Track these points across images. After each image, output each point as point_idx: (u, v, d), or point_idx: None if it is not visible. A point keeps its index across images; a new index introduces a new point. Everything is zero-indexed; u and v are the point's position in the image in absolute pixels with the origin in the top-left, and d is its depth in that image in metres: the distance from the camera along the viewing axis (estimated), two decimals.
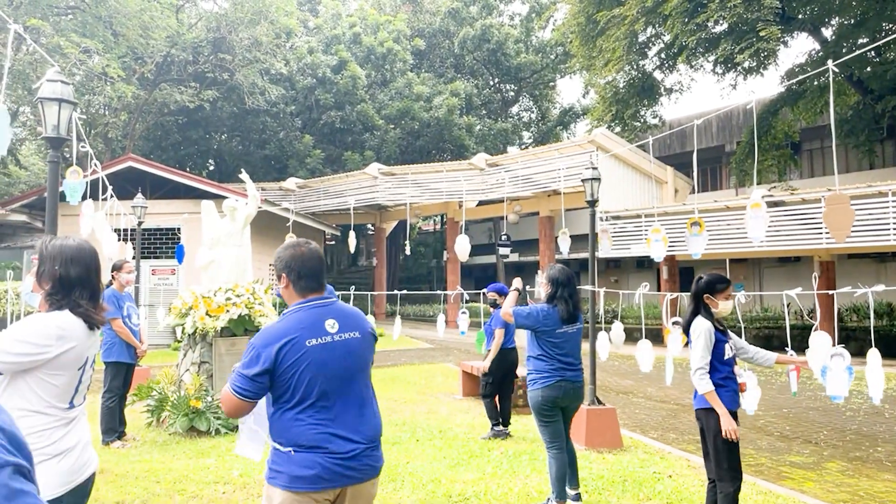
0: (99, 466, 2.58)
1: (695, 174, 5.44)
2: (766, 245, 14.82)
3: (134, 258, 10.24)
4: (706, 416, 3.89)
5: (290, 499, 2.38)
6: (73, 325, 2.25)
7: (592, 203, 6.67)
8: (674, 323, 5.59)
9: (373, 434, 2.54)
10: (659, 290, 20.76)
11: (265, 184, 26.74)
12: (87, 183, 6.43)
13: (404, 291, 10.55)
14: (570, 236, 8.15)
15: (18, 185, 27.63)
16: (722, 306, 3.91)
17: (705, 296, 3.93)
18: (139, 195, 9.82)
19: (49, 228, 3.75)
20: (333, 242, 38.83)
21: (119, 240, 11.13)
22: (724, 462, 3.80)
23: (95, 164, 5.74)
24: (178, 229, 17.29)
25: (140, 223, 9.78)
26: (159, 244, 17.40)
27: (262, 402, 2.53)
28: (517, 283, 5.01)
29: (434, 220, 41.51)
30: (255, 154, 29.73)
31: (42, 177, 28.27)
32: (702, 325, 3.85)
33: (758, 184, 21.92)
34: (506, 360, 7.03)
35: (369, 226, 33.15)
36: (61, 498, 2.20)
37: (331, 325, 2.50)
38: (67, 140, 4.00)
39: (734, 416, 3.85)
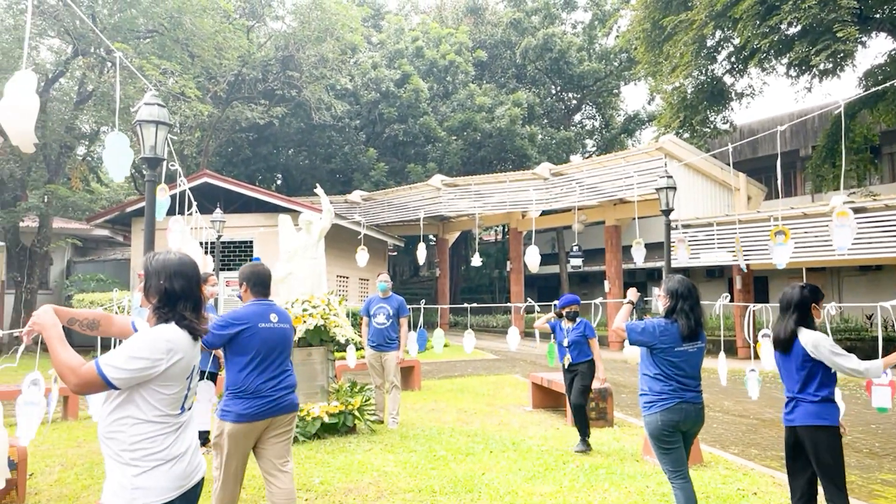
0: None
1: (779, 180, 5.28)
2: (846, 253, 14.21)
3: (214, 270, 10.62)
4: (814, 434, 3.71)
5: (237, 428, 3.81)
6: (180, 338, 2.35)
7: (667, 212, 6.55)
8: (763, 335, 5.41)
9: (291, 385, 4.04)
10: (732, 300, 20.13)
11: (332, 197, 27.23)
12: (174, 198, 6.73)
13: (474, 304, 10.55)
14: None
15: (100, 201, 29.06)
16: (823, 315, 3.89)
17: (812, 305, 3.82)
18: (217, 210, 10.19)
19: (147, 245, 3.94)
20: (396, 253, 39.31)
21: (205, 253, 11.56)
22: (838, 477, 3.68)
23: (182, 181, 5.99)
24: (252, 242, 17.83)
25: (219, 236, 10.14)
26: (233, 256, 17.98)
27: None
28: (632, 294, 4.64)
29: (495, 231, 41.48)
30: (322, 168, 30.43)
31: (121, 193, 29.67)
32: (820, 335, 3.75)
33: (836, 189, 21.04)
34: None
35: (431, 237, 33.41)
36: (173, 502, 2.31)
37: (273, 317, 4.01)
38: (163, 160, 4.22)
39: (838, 432, 3.74)
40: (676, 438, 4.10)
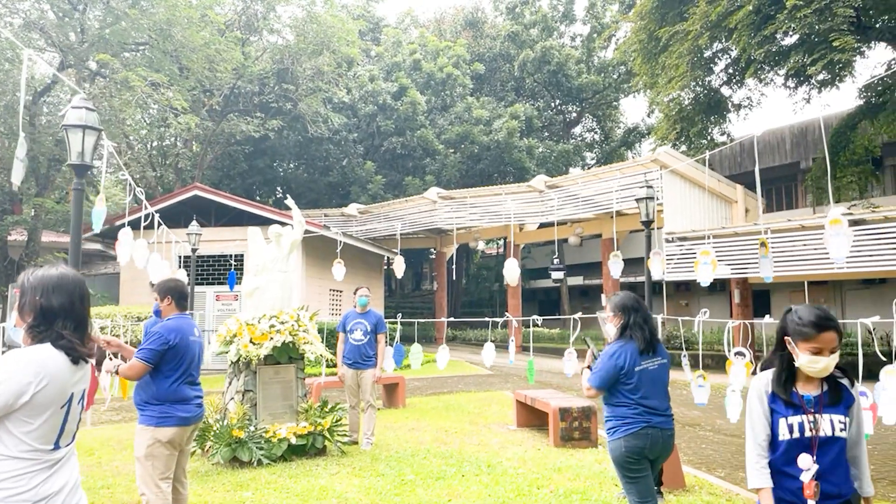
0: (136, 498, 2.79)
1: (752, 189, 5.01)
2: (847, 266, 13.90)
3: (188, 284, 10.38)
4: None
5: (178, 432, 4.09)
6: (52, 359, 2.09)
7: (647, 224, 6.28)
8: (737, 353, 5.13)
9: (202, 395, 4.35)
10: (731, 315, 19.75)
11: (328, 210, 27.11)
12: (153, 213, 6.51)
13: (452, 318, 10.25)
14: (634, 259, 7.74)
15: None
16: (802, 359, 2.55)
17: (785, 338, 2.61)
18: (194, 223, 9.98)
19: (73, 258, 3.69)
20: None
21: (180, 266, 11.32)
22: None
23: (139, 192, 5.76)
24: (243, 255, 17.58)
25: (194, 249, 9.91)
26: (224, 270, 17.72)
27: None
28: (588, 358, 4.05)
29: (497, 244, 41.23)
30: (320, 181, 30.27)
31: (122, 207, 29.53)
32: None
33: (837, 202, 20.70)
34: None
35: (432, 249, 33.16)
36: None
37: (196, 332, 4.29)
38: (92, 167, 3.99)
39: None
40: (643, 467, 3.77)
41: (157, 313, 4.43)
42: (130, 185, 5.43)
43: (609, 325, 3.93)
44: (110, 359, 4.13)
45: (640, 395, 3.73)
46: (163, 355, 4.04)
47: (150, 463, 3.99)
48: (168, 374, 4.09)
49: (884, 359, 4.48)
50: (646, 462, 3.78)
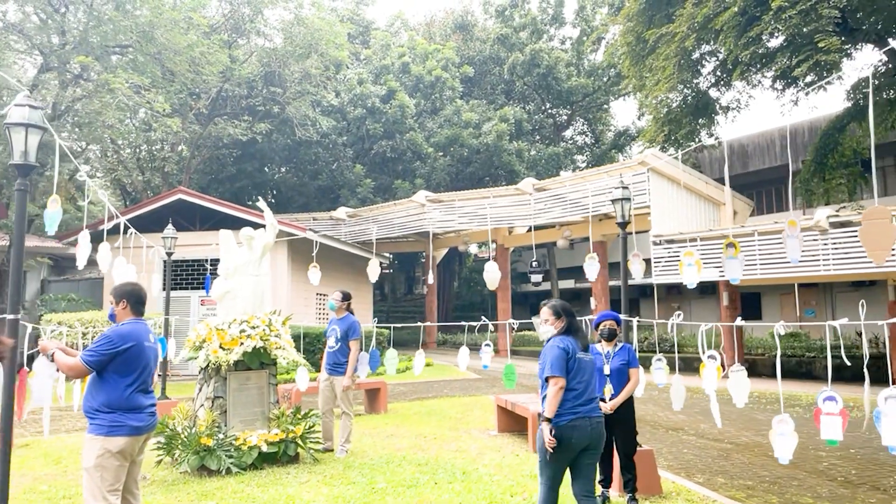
0: None
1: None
2: (837, 269, 13.84)
3: (164, 289, 10.23)
4: None
5: (130, 442, 3.88)
6: None
7: (623, 225, 6.16)
8: (709, 357, 5.03)
9: (155, 403, 4.14)
10: (720, 318, 19.68)
11: (317, 213, 26.94)
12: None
13: (429, 323, 10.13)
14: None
15: (88, 219, 28.67)
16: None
17: None
18: (170, 226, 9.84)
19: (16, 261, 3.56)
20: (390, 271, 38.72)
21: (164, 271, 11.12)
22: None
23: (103, 195, 5.60)
24: None
25: (170, 254, 9.78)
26: (207, 274, 17.52)
27: None
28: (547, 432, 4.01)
29: (490, 248, 41.14)
30: (309, 185, 30.08)
31: (105, 210, 29.28)
32: None
33: (826, 203, 20.66)
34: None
35: (423, 253, 33.03)
36: None
37: (151, 337, 4.12)
38: (36, 167, 3.85)
39: None
40: (566, 456, 4.01)
41: (113, 317, 4.16)
42: (88, 187, 5.27)
43: (546, 326, 4.21)
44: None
45: (577, 381, 4.05)
46: (111, 359, 3.85)
47: (99, 474, 3.80)
48: (120, 381, 3.89)
49: (848, 363, 4.37)
50: (571, 452, 4.01)
